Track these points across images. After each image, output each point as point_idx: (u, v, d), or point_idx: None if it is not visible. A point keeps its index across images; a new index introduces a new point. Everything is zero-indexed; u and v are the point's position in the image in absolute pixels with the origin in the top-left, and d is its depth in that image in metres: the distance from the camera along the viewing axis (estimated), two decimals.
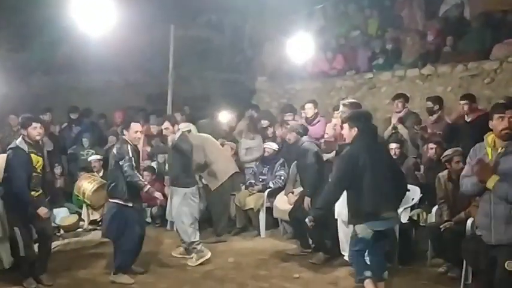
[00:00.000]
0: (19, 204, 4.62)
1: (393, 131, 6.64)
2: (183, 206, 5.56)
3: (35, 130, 4.67)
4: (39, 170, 4.74)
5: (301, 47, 7.83)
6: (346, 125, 4.11)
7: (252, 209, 6.70)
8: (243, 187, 7.06)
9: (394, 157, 5.91)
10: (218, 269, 5.31)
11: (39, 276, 4.85)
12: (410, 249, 5.32)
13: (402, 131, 6.52)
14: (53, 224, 6.45)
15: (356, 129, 4.02)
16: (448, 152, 5.01)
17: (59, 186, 7.36)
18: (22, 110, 8.26)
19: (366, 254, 3.99)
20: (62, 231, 6.50)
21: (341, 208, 4.96)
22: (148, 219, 7.28)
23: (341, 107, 5.07)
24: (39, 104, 9.28)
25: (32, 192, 4.66)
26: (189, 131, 6.55)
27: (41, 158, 4.78)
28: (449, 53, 7.80)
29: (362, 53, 9.21)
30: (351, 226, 4.10)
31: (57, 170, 7.44)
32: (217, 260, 5.56)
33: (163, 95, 7.51)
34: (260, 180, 6.98)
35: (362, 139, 3.99)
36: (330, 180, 4.53)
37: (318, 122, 7.05)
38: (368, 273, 3.97)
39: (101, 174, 7.25)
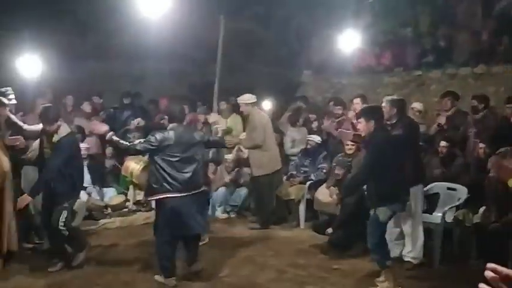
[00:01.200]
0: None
1: (438, 129, 6.51)
2: None
3: None
4: None
5: (348, 42, 7.82)
6: (362, 119, 4.41)
7: (292, 199, 6.75)
8: (284, 178, 7.12)
9: (441, 155, 5.85)
10: (258, 255, 5.40)
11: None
12: (453, 250, 5.23)
13: (450, 129, 6.39)
14: (101, 203, 6.80)
15: (373, 122, 4.33)
16: (501, 150, 4.83)
17: (109, 167, 7.62)
18: (77, 93, 8.70)
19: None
20: (109, 210, 6.74)
21: None
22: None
23: (384, 103, 5.01)
24: (92, 88, 9.66)
25: None
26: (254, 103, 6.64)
27: None
28: (503, 53, 7.56)
29: (411, 50, 9.05)
30: (396, 226, 4.68)
31: (108, 150, 7.73)
32: (258, 247, 5.65)
33: (206, 84, 7.65)
34: (302, 172, 7.01)
35: (380, 131, 4.38)
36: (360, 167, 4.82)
37: None
38: (389, 263, 4.38)
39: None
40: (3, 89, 5.09)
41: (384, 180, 4.21)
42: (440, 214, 5.20)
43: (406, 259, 5.02)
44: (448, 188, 5.47)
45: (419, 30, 9.39)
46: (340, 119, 7.32)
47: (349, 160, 6.03)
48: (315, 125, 7.74)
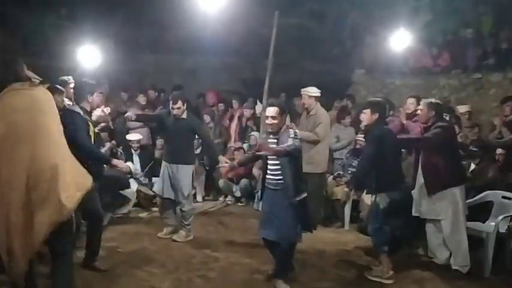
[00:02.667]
0: None
1: (498, 136, 6.24)
2: None
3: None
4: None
5: (403, 41, 7.60)
6: (368, 110, 4.64)
7: (338, 199, 6.67)
8: (331, 177, 7.04)
9: (498, 163, 5.62)
10: (300, 252, 5.34)
11: (93, 263, 4.49)
12: (505, 260, 5.00)
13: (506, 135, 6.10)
14: (150, 192, 6.99)
15: (378, 114, 4.61)
16: None
17: (157, 157, 7.82)
18: (129, 85, 8.98)
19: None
20: (158, 199, 6.91)
21: (422, 205, 4.92)
22: (238, 194, 7.59)
23: (421, 105, 5.02)
24: (144, 80, 9.94)
25: None
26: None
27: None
28: None
29: (471, 52, 8.70)
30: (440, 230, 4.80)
31: (158, 142, 7.94)
32: (300, 245, 5.61)
33: (257, 80, 7.66)
34: (349, 172, 6.89)
35: (382, 123, 4.70)
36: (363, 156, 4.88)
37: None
38: (385, 248, 4.64)
39: (198, 151, 7.64)
40: (65, 78, 5.33)
41: (383, 170, 4.52)
42: (493, 223, 4.98)
43: (453, 267, 4.85)
44: (503, 197, 5.23)
45: (481, 32, 9.01)
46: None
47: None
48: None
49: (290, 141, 4.04)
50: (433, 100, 5.17)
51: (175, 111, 5.50)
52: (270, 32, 7.24)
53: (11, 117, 3.16)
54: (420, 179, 4.94)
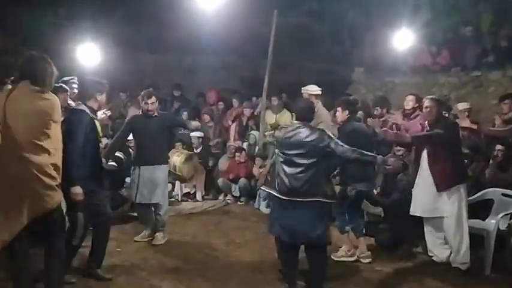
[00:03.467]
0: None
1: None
2: None
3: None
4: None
5: (403, 40, 7.60)
6: (339, 108, 4.94)
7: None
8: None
9: (498, 159, 5.60)
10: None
11: (96, 269, 4.31)
12: (505, 258, 4.98)
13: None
14: None
15: (347, 111, 4.91)
16: None
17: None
18: (129, 84, 8.96)
19: (347, 212, 4.97)
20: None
21: (426, 204, 4.88)
22: (236, 193, 7.58)
23: (427, 102, 4.97)
24: (144, 80, 9.92)
25: None
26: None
27: None
28: None
29: (470, 49, 8.69)
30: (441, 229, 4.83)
31: None
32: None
33: (257, 79, 7.65)
34: None
35: (353, 119, 5.02)
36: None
37: (417, 116, 6.75)
38: (348, 228, 5.01)
39: (198, 150, 7.63)
40: (68, 78, 5.33)
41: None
42: (493, 221, 4.97)
43: (453, 265, 4.84)
44: (503, 194, 5.21)
45: (480, 30, 9.01)
46: (383, 118, 7.12)
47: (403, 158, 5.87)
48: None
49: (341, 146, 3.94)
50: (436, 97, 5.20)
51: (149, 107, 5.30)
52: (269, 31, 7.24)
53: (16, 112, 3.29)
54: (425, 177, 4.86)
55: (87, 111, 4.17)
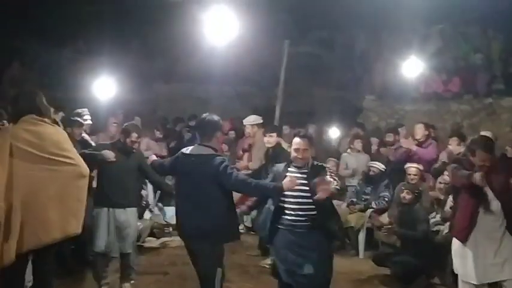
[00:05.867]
0: None
1: None
2: None
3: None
4: None
5: (414, 68, 7.66)
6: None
7: (352, 227, 6.60)
8: (344, 205, 6.99)
9: None
10: None
11: None
12: None
13: None
14: (162, 221, 7.00)
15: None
16: None
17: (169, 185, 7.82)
18: (144, 115, 9.10)
19: None
20: (170, 229, 6.92)
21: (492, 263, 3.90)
22: (249, 224, 7.51)
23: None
24: (158, 109, 10.09)
25: None
26: None
27: None
28: None
29: (482, 77, 8.71)
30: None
31: None
32: None
33: (269, 107, 7.70)
34: (362, 199, 6.86)
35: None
36: None
37: (430, 144, 6.75)
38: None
39: None
40: (79, 110, 5.41)
41: None
42: None
43: None
44: None
45: (491, 57, 9.04)
46: (395, 146, 7.14)
47: (419, 188, 5.81)
48: (374, 149, 7.58)
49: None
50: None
51: (135, 144, 4.70)
52: (280, 60, 7.35)
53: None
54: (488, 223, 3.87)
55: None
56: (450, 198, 5.55)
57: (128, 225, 4.59)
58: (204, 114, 3.83)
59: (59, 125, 3.69)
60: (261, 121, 6.35)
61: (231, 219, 3.74)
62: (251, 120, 6.42)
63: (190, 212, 3.72)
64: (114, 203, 4.53)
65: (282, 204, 3.80)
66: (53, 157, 3.30)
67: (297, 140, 3.89)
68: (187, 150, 3.82)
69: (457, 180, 4.01)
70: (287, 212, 3.80)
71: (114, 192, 4.53)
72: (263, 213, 4.08)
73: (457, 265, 4.06)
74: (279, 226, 3.84)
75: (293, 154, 3.90)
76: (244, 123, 6.56)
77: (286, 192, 3.71)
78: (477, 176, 3.68)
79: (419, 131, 6.83)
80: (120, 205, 4.56)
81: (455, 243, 4.05)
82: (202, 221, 3.64)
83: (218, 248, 3.72)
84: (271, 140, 5.64)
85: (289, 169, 3.87)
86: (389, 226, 5.50)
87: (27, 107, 3.40)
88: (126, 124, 4.86)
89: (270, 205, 3.92)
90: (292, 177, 3.65)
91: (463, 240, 3.92)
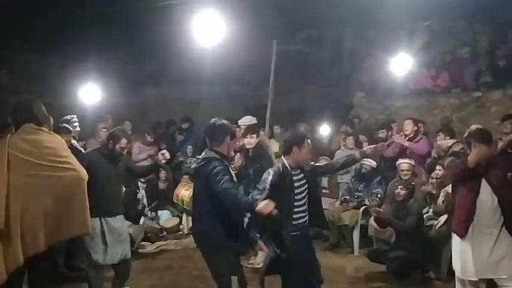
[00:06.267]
0: None
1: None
2: None
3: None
4: None
5: (402, 64, 7.69)
6: None
7: (346, 225, 6.62)
8: (337, 202, 7.01)
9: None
10: None
11: None
12: None
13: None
14: (156, 225, 6.97)
15: None
16: None
17: (162, 189, 7.80)
18: (134, 119, 9.05)
19: None
20: (164, 233, 6.90)
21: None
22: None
23: None
24: (148, 113, 10.03)
25: None
26: None
27: None
28: None
29: (469, 70, 8.77)
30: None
31: (162, 174, 7.94)
32: None
33: (261, 107, 7.67)
34: (355, 196, 6.87)
35: None
36: None
37: (421, 139, 6.78)
38: None
39: None
40: (69, 117, 5.37)
41: None
42: None
43: None
44: None
45: (478, 50, 9.10)
46: (388, 142, 7.16)
47: (412, 183, 5.83)
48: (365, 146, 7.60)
49: None
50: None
51: (124, 151, 4.52)
52: (270, 59, 7.34)
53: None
54: (483, 222, 3.79)
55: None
56: (442, 193, 5.61)
57: (122, 231, 4.48)
58: (214, 119, 3.82)
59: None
60: (256, 121, 6.40)
61: (217, 227, 3.59)
62: (246, 120, 6.46)
63: (193, 218, 3.86)
64: (108, 212, 4.32)
65: (294, 210, 3.77)
66: (52, 164, 3.41)
67: (309, 142, 3.94)
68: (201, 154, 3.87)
69: (453, 172, 3.97)
70: (300, 215, 3.79)
71: (107, 200, 4.30)
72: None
73: (455, 261, 3.98)
74: (293, 233, 3.74)
75: (307, 156, 3.92)
76: (239, 124, 6.57)
77: (296, 197, 3.75)
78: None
79: (409, 127, 6.85)
80: (114, 213, 4.39)
81: (454, 239, 3.99)
82: (194, 227, 3.81)
83: (221, 256, 3.63)
84: (251, 141, 5.70)
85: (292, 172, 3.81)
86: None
87: (25, 116, 3.51)
88: (114, 129, 4.67)
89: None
90: (268, 203, 3.33)
91: (462, 234, 3.84)
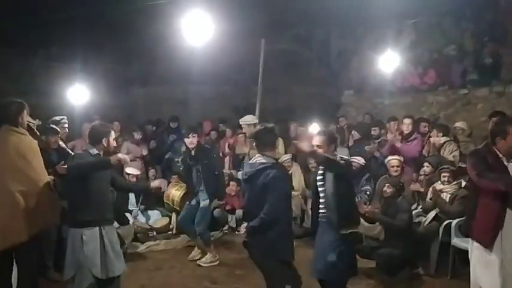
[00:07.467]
0: None
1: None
2: None
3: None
4: None
5: (390, 62, 7.74)
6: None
7: None
8: None
9: None
10: None
11: None
12: None
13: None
14: (146, 225, 6.93)
15: None
16: None
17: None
18: (122, 119, 8.99)
19: None
20: (154, 233, 6.86)
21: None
22: (233, 224, 7.49)
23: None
24: (136, 113, 9.97)
25: None
26: None
27: None
28: None
29: (456, 68, 8.85)
30: None
31: (151, 173, 7.90)
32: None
33: (249, 106, 7.69)
34: None
35: None
36: None
37: (415, 139, 6.78)
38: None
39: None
40: (58, 118, 5.32)
41: None
42: None
43: None
44: None
45: (465, 48, 9.19)
46: (380, 140, 7.20)
47: (401, 182, 5.86)
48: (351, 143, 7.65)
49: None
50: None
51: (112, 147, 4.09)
52: (258, 58, 7.34)
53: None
54: None
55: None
56: (430, 189, 5.66)
57: (115, 242, 3.97)
58: (260, 125, 3.85)
59: (36, 134, 3.92)
60: (257, 121, 6.45)
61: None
62: (248, 120, 6.54)
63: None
64: (107, 220, 3.88)
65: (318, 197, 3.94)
66: (16, 165, 3.62)
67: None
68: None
69: (484, 184, 3.35)
70: (322, 206, 3.92)
71: (105, 207, 3.88)
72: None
73: (480, 276, 3.46)
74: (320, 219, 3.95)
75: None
76: (240, 123, 6.66)
77: (319, 188, 3.90)
78: None
79: (410, 126, 6.78)
80: (110, 222, 3.97)
81: (476, 249, 3.49)
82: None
83: (269, 263, 3.69)
84: (194, 140, 5.79)
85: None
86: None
87: (3, 117, 3.69)
88: (96, 126, 4.11)
89: None
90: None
91: (488, 244, 3.36)
